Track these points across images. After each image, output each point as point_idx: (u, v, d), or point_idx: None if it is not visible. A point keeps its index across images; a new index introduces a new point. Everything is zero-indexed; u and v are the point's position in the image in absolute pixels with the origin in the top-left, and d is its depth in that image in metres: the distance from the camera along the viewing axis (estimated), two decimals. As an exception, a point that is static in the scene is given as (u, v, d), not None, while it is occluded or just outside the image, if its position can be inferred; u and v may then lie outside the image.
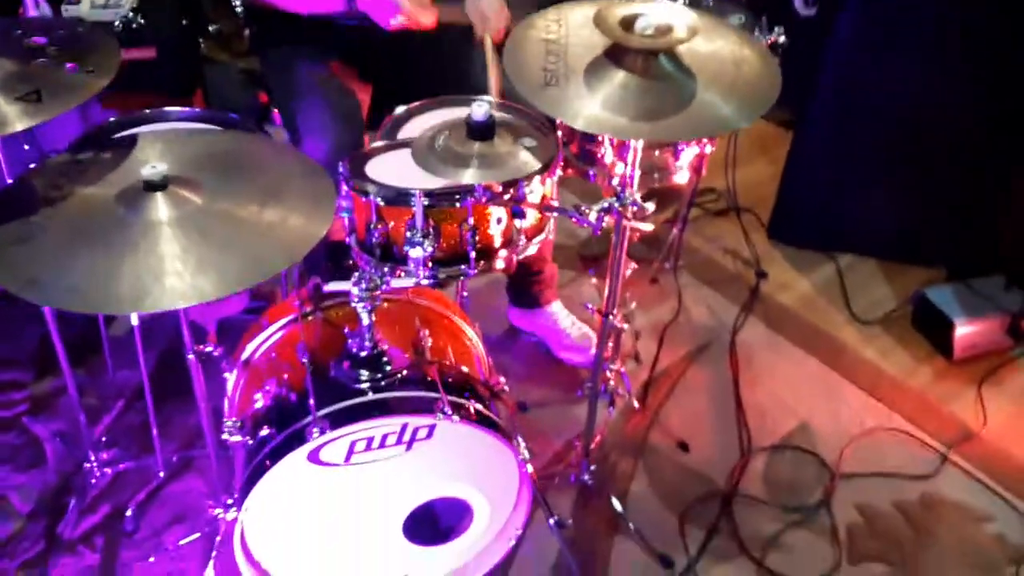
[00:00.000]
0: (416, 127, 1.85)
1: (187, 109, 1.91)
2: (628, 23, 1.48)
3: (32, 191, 1.47)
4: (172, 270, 1.30)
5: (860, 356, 2.51)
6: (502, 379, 1.79)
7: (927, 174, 2.63)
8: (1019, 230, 2.59)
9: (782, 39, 2.11)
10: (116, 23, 2.17)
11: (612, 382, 2.11)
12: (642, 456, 2.20)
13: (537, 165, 1.44)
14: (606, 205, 1.63)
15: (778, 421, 2.29)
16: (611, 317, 1.84)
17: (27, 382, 2.30)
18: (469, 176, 1.43)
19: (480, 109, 1.42)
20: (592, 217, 1.64)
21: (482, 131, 1.42)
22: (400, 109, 1.87)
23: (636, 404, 2.28)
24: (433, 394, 1.57)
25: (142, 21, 2.18)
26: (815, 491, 2.14)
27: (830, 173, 2.74)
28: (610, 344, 2.16)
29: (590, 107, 1.43)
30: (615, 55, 1.50)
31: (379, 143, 1.72)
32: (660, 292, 2.67)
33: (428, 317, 1.80)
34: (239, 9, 3.51)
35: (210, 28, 3.54)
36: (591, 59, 1.50)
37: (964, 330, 2.43)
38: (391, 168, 1.65)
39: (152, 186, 1.38)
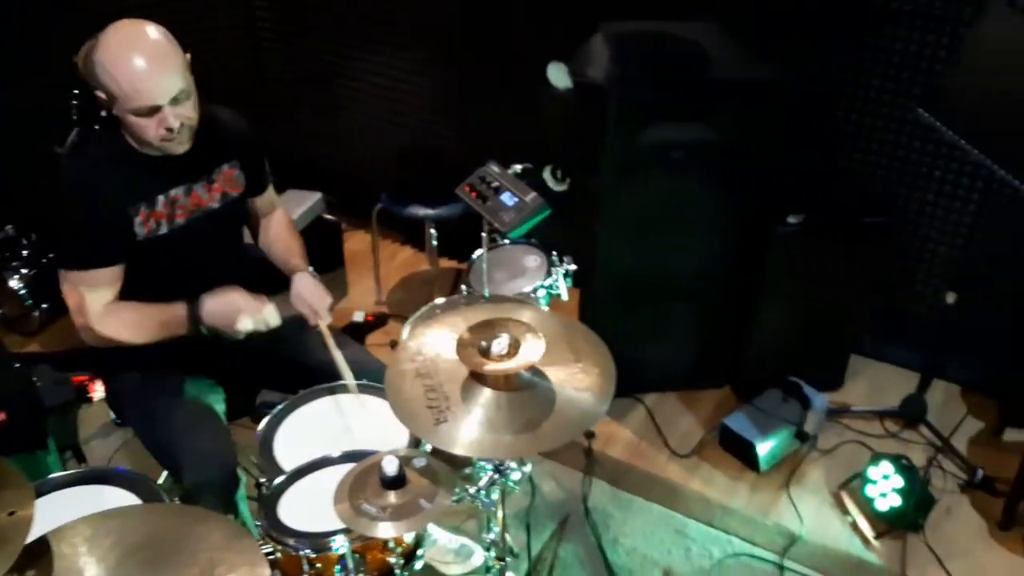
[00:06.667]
0: (294, 423, 2.07)
1: (69, 472, 1.94)
2: (486, 350, 1.73)
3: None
4: None
5: (689, 489, 2.92)
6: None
7: (696, 315, 3.13)
8: (771, 347, 3.14)
9: (574, 267, 2.49)
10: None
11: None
12: (545, 651, 2.47)
13: (450, 499, 1.67)
14: (490, 478, 1.90)
15: (647, 576, 2.65)
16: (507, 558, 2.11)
17: None
18: (397, 528, 1.61)
19: (391, 465, 1.63)
20: (484, 496, 1.91)
21: (395, 482, 1.64)
22: (276, 409, 2.08)
23: (526, 600, 2.55)
24: None
25: (-17, 391, 2.16)
26: (697, 635, 2.51)
27: (619, 329, 3.16)
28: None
29: (478, 433, 1.65)
30: (478, 375, 1.76)
31: (280, 479, 1.87)
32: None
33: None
34: (22, 292, 3.47)
35: (-8, 315, 3.45)
36: (461, 383, 1.75)
37: (763, 446, 2.92)
38: (303, 505, 1.82)
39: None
